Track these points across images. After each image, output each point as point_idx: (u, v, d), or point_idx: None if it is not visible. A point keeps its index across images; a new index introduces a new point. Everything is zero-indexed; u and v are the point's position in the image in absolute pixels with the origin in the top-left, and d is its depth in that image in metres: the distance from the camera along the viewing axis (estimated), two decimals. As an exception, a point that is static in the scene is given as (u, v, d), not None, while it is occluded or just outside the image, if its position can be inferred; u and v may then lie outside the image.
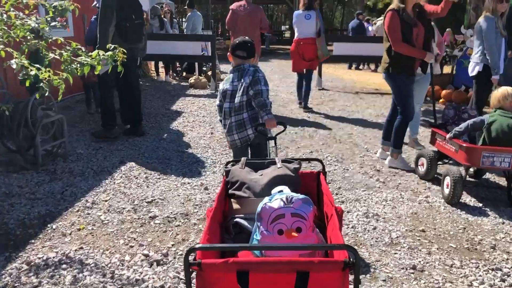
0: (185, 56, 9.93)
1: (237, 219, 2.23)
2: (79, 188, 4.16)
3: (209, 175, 4.54)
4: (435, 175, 4.43)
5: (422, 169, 4.46)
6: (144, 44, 5.90)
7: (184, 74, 11.88)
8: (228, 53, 3.39)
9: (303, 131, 6.39)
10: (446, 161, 4.49)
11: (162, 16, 10.66)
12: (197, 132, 6.27)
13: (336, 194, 4.08)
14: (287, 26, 44.12)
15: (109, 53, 2.86)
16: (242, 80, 3.21)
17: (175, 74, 12.03)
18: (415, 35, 4.37)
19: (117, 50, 2.93)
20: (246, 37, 3.43)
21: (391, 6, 4.44)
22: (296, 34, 7.84)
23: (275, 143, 3.06)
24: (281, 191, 2.05)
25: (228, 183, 2.44)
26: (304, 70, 7.93)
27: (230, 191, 2.39)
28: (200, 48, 9.74)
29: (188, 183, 4.33)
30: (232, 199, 2.38)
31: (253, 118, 3.27)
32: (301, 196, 1.93)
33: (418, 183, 4.38)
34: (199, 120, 7.00)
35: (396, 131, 4.76)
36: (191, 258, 1.58)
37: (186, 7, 11.44)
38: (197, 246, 1.60)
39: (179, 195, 4.03)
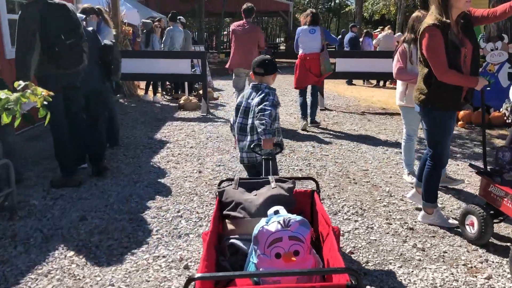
0: (173, 75, 8.82)
1: (232, 240, 2.23)
2: (14, 268, 3.02)
3: (192, 242, 3.40)
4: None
5: (472, 231, 3.34)
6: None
7: (173, 93, 10.80)
8: (250, 72, 3.39)
9: (309, 167, 5.28)
10: (502, 218, 3.39)
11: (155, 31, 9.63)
12: (182, 170, 5.15)
13: (365, 274, 2.95)
14: (282, 39, 43.36)
15: (14, 95, 1.78)
16: (255, 100, 3.18)
17: (164, 93, 10.93)
18: (462, 57, 3.28)
19: (28, 90, 1.83)
20: (267, 56, 3.40)
21: (428, 21, 3.29)
22: (300, 50, 7.32)
23: (272, 164, 2.92)
24: (277, 211, 2.00)
25: (222, 204, 2.42)
26: (309, 86, 7.49)
27: (225, 212, 2.36)
28: (189, 65, 8.64)
29: (163, 256, 3.18)
30: (226, 220, 2.37)
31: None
32: (298, 217, 1.90)
33: (469, 251, 3.26)
34: (185, 153, 5.88)
35: (427, 181, 3.65)
36: None
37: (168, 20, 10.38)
38: (196, 275, 1.56)
39: (148, 280, 2.89)
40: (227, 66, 7.59)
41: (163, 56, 8.68)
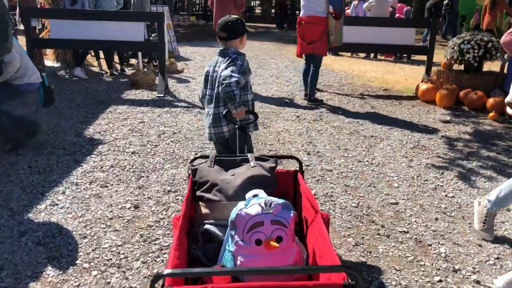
0: (118, 43, 6.60)
1: (206, 226, 1.96)
2: None
3: None
4: None
5: None
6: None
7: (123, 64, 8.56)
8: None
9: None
10: None
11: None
12: (108, 203, 3.15)
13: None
14: (258, 1, 40.59)
15: None
16: (221, 66, 2.74)
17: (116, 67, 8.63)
18: None
19: None
20: (230, 16, 2.84)
21: None
22: (301, 12, 6.05)
23: (245, 134, 2.63)
24: (256, 195, 1.77)
25: (195, 184, 2.10)
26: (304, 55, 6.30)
27: (198, 193, 2.06)
28: (142, 30, 6.45)
29: None
30: (200, 202, 2.07)
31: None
32: (280, 200, 1.71)
33: None
34: (122, 165, 3.87)
35: None
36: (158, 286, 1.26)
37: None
38: (165, 272, 1.32)
39: None
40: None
41: (104, 18, 6.42)
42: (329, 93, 7.00)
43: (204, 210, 2.03)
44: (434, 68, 6.97)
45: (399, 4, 12.09)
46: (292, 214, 1.68)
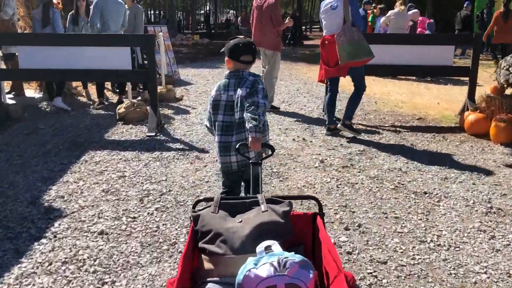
0: (97, 72, 5.36)
1: (209, 286, 1.66)
2: None
3: None
4: None
5: None
6: None
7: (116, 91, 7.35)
8: (226, 58, 2.57)
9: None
10: None
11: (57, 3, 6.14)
12: None
13: None
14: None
15: None
16: (239, 91, 2.49)
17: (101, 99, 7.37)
18: None
19: None
20: (245, 38, 2.61)
21: None
22: (324, 31, 5.04)
23: (260, 170, 2.25)
24: (268, 247, 1.52)
25: (197, 233, 1.80)
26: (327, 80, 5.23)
27: (200, 245, 1.76)
28: (128, 56, 5.26)
29: None
30: (203, 255, 1.76)
31: None
32: (297, 257, 1.46)
33: None
34: (81, 256, 2.61)
35: None
36: None
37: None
38: None
39: None
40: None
41: (79, 43, 5.20)
42: (354, 124, 5.72)
43: (207, 265, 1.74)
44: (480, 93, 5.70)
45: (420, 18, 10.83)
46: (311, 275, 1.45)
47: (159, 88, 7.51)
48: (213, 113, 2.60)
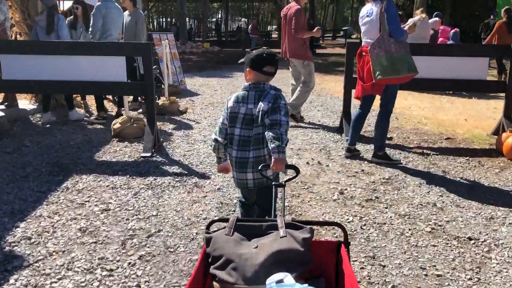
0: (89, 84, 4.75)
1: None
2: None
3: None
4: None
5: None
6: None
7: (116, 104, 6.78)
8: (248, 69, 2.39)
9: None
10: None
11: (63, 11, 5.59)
12: None
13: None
14: (275, 27, 39.27)
15: None
16: (261, 105, 2.30)
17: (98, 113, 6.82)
18: None
19: None
20: (268, 48, 2.45)
21: None
22: (363, 41, 4.39)
23: (283, 192, 2.05)
24: (281, 281, 1.36)
25: (208, 256, 1.65)
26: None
27: (211, 270, 1.60)
28: (123, 66, 4.67)
29: None
30: (214, 282, 1.59)
31: None
32: None
33: None
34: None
35: None
36: None
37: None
38: None
39: None
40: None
41: (68, 51, 4.59)
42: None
43: (218, 293, 1.55)
44: (519, 111, 5.01)
45: (442, 27, 10.12)
46: None
47: (162, 100, 6.94)
48: (229, 126, 2.42)
